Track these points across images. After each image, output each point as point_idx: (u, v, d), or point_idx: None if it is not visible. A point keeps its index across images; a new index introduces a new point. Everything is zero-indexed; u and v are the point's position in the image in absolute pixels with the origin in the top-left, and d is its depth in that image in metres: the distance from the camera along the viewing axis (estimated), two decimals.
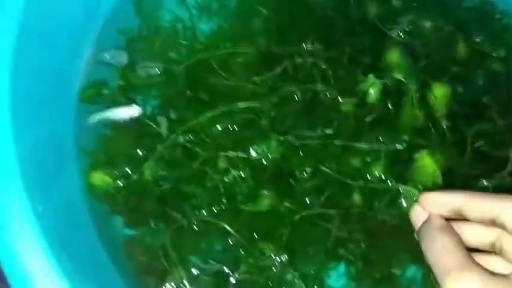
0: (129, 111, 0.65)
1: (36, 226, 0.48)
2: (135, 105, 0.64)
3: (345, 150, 0.64)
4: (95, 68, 0.68)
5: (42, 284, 0.47)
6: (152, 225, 0.61)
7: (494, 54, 0.72)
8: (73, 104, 0.66)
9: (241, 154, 0.63)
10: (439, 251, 0.38)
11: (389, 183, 0.60)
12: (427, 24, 0.72)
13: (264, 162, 0.63)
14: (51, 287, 0.47)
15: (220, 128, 0.65)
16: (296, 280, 0.58)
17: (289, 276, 0.60)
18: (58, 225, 0.51)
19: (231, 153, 0.63)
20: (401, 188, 0.59)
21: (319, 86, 0.68)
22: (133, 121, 0.65)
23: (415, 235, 0.45)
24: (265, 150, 0.63)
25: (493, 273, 0.34)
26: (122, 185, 0.61)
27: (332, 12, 0.74)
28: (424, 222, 0.44)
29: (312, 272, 0.60)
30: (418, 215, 0.46)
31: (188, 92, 0.69)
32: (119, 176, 0.61)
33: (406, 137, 0.64)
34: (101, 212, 0.63)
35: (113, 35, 0.72)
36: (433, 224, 0.43)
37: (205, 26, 0.75)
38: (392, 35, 0.69)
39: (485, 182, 0.61)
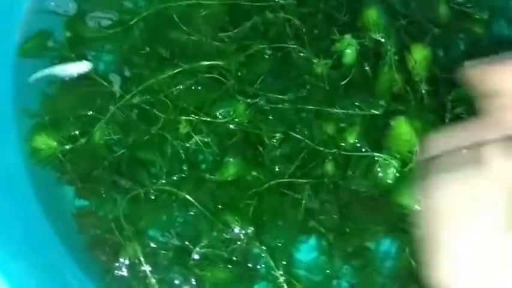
0: (77, 68, 0.60)
1: None
2: (84, 60, 0.59)
3: (317, 115, 0.62)
4: (38, 18, 0.62)
5: None
6: (104, 195, 0.56)
7: (477, 16, 0.69)
8: (12, 57, 0.60)
9: (204, 118, 0.59)
10: None
11: (364, 151, 0.57)
12: None
13: (231, 127, 0.59)
14: None
15: (181, 89, 0.60)
16: (263, 254, 0.56)
17: (255, 250, 0.57)
18: None
19: (194, 117, 0.59)
20: (377, 156, 0.57)
21: (292, 45, 0.64)
22: (83, 79, 0.60)
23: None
24: (231, 114, 0.60)
25: None
26: (68, 148, 0.56)
27: None
28: None
29: (280, 246, 0.58)
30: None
31: (146, 48, 0.63)
32: (66, 139, 0.55)
33: (383, 102, 0.61)
34: (45, 182, 0.59)
35: None
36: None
37: None
38: None
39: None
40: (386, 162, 0.55)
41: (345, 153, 0.59)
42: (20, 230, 0.53)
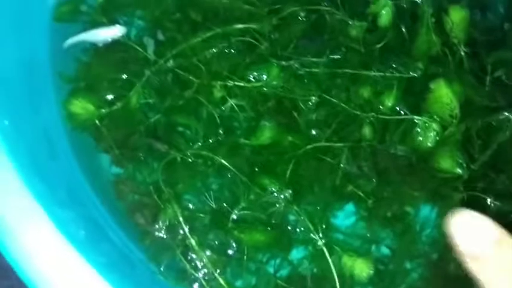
0: (111, 32, 0.61)
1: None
2: (117, 25, 0.59)
3: (354, 79, 0.61)
4: None
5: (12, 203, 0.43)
6: (142, 158, 0.57)
7: None
8: (47, 22, 0.61)
9: (238, 82, 0.59)
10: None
11: (402, 114, 0.57)
12: None
13: (265, 90, 0.59)
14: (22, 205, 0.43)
15: (214, 53, 0.60)
16: (301, 217, 0.56)
17: (293, 214, 0.57)
18: (32, 151, 0.47)
19: (228, 81, 0.59)
20: (416, 119, 0.57)
21: (326, 7, 0.63)
22: (117, 44, 0.60)
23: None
24: (265, 77, 0.60)
25: None
26: (105, 112, 0.57)
27: None
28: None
29: (318, 210, 0.58)
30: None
31: (178, 13, 0.63)
32: (102, 103, 0.56)
33: (420, 65, 0.61)
34: (84, 147, 0.60)
35: None
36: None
37: None
38: None
39: (506, 114, 0.59)
40: (426, 125, 0.55)
41: (383, 116, 0.59)
42: (64, 188, 0.54)
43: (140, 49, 0.59)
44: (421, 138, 0.57)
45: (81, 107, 0.57)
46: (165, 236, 0.55)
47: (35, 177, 0.46)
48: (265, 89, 0.60)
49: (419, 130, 0.57)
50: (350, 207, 0.61)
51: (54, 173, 0.52)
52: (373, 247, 0.59)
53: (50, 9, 0.61)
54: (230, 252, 0.55)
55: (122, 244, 0.56)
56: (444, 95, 0.59)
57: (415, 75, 0.61)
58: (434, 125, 0.57)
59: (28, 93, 0.55)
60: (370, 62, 0.63)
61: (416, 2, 0.64)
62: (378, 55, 0.64)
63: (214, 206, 0.57)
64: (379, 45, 0.64)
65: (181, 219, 0.54)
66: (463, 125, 0.59)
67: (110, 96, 0.58)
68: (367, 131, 0.60)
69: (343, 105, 0.60)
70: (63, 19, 0.61)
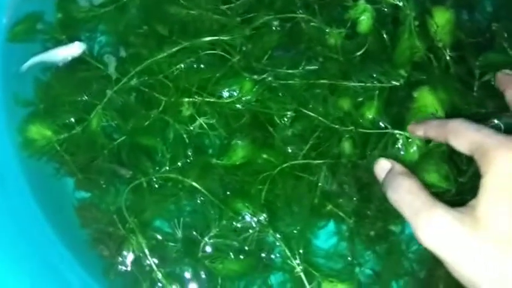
0: (70, 51, 0.59)
1: None
2: (77, 42, 0.57)
3: (332, 90, 0.59)
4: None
5: None
6: (104, 186, 0.55)
7: None
8: (0, 43, 0.58)
9: (208, 98, 0.57)
10: (407, 194, 0.42)
11: (383, 127, 0.55)
12: None
13: (237, 107, 0.57)
14: None
15: (182, 68, 0.58)
16: (278, 242, 0.54)
17: (269, 239, 0.55)
18: None
19: (197, 98, 0.57)
20: (398, 133, 0.54)
21: (301, 14, 0.61)
22: (78, 62, 0.58)
23: (381, 188, 0.46)
24: (237, 92, 0.58)
25: (455, 208, 0.39)
26: (64, 137, 0.54)
27: None
28: (388, 172, 0.47)
29: (296, 233, 0.56)
30: (381, 166, 0.49)
31: (143, 26, 0.61)
32: (61, 127, 0.54)
33: (403, 72, 0.59)
34: (41, 174, 0.57)
35: None
36: (397, 171, 0.47)
37: None
38: None
39: (495, 121, 0.56)
40: (409, 140, 0.52)
41: (363, 130, 0.56)
42: (13, 227, 0.52)
43: (102, 67, 0.57)
44: (403, 153, 0.54)
45: (38, 132, 0.55)
46: (130, 269, 0.53)
47: None
48: (237, 105, 0.58)
49: (401, 145, 0.55)
50: (331, 226, 0.59)
51: (2, 213, 0.49)
52: (357, 269, 0.56)
53: (3, 29, 0.58)
54: (201, 284, 0.53)
55: (79, 282, 0.53)
56: (429, 103, 0.57)
57: (398, 83, 0.59)
58: (418, 141, 0.54)
59: None
60: (349, 72, 0.61)
61: (398, 5, 0.61)
62: (358, 63, 0.62)
63: (184, 233, 0.54)
64: (359, 53, 0.62)
65: (146, 250, 0.52)
66: None
67: (70, 119, 0.56)
68: (346, 146, 0.58)
69: (321, 118, 0.58)
70: (18, 39, 0.59)
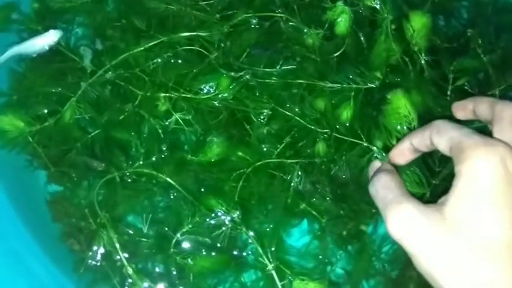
0: (46, 40, 0.58)
1: None
2: (52, 30, 0.56)
3: (309, 90, 0.59)
4: None
5: None
6: (76, 179, 0.54)
7: None
8: None
9: (185, 94, 0.57)
10: (382, 188, 0.44)
11: (357, 131, 0.55)
12: None
13: (214, 103, 0.57)
14: None
15: (159, 62, 0.57)
16: (250, 240, 0.54)
17: (242, 236, 0.55)
18: None
19: (173, 93, 0.57)
20: (370, 146, 0.55)
21: (280, 14, 0.62)
22: (54, 53, 0.57)
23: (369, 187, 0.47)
24: (214, 89, 0.57)
25: (426, 204, 0.40)
26: (37, 129, 0.53)
27: None
28: (376, 170, 0.49)
29: (269, 231, 0.56)
30: (373, 165, 0.51)
31: (121, 19, 0.60)
32: (34, 119, 0.53)
33: (379, 75, 0.59)
34: (13, 166, 0.56)
35: None
36: (382, 168, 0.49)
37: None
38: None
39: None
40: (383, 154, 0.53)
41: (338, 135, 0.56)
42: None
43: (77, 59, 0.56)
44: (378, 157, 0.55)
45: (10, 123, 0.54)
46: (100, 264, 0.52)
47: None
48: (214, 101, 0.58)
49: (374, 156, 0.55)
50: (304, 225, 0.59)
51: None
52: (328, 268, 0.56)
53: None
54: (172, 280, 0.52)
55: (48, 276, 0.53)
56: (402, 106, 0.57)
57: (373, 85, 0.59)
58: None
59: None
60: (326, 72, 0.62)
61: (376, 8, 0.62)
62: (335, 65, 0.63)
63: (156, 229, 0.54)
64: (336, 54, 0.62)
65: (117, 245, 0.51)
66: None
67: (43, 111, 0.55)
68: (321, 146, 0.58)
69: (297, 118, 0.58)
70: None
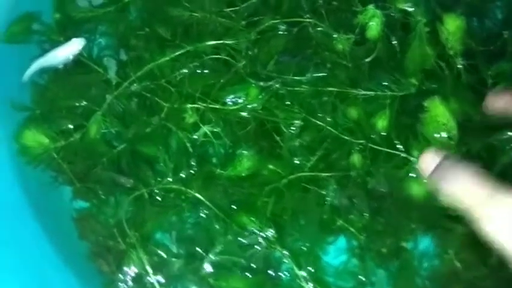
0: (70, 49, 0.56)
1: None
2: (75, 38, 0.54)
3: (341, 98, 0.56)
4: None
5: None
6: (103, 196, 0.52)
7: None
8: None
9: (213, 105, 0.54)
10: (466, 185, 0.40)
11: (394, 142, 0.52)
12: None
13: (243, 114, 0.54)
14: None
15: (185, 73, 0.55)
16: (285, 259, 0.51)
17: (277, 255, 0.52)
18: None
19: (201, 104, 0.54)
20: (409, 157, 0.52)
21: (308, 18, 0.59)
22: (77, 65, 0.55)
23: (427, 181, 0.45)
24: (243, 99, 0.55)
25: None
26: (62, 145, 0.51)
27: None
28: (439, 165, 0.45)
29: (305, 249, 0.53)
30: (428, 160, 0.46)
31: (145, 28, 0.58)
32: (59, 134, 0.51)
33: (414, 81, 0.56)
34: (38, 182, 0.54)
35: None
36: (452, 161, 0.44)
37: None
38: None
39: (509, 133, 0.55)
40: None
41: (374, 146, 0.54)
42: (6, 237, 0.49)
43: (101, 71, 0.54)
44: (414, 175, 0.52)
45: (34, 139, 0.52)
46: (131, 286, 0.50)
47: None
48: (243, 112, 0.55)
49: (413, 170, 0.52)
50: (342, 241, 0.56)
51: None
52: None
53: None
54: None
55: None
56: (440, 114, 0.54)
57: (409, 92, 0.56)
58: None
59: None
60: (358, 79, 0.59)
61: (408, 11, 0.59)
62: (367, 71, 0.60)
63: (186, 248, 0.51)
64: (368, 60, 0.59)
65: (148, 267, 0.49)
66: (462, 147, 0.54)
67: (68, 126, 0.53)
68: (355, 159, 0.55)
69: (330, 128, 0.55)
70: (15, 40, 0.56)
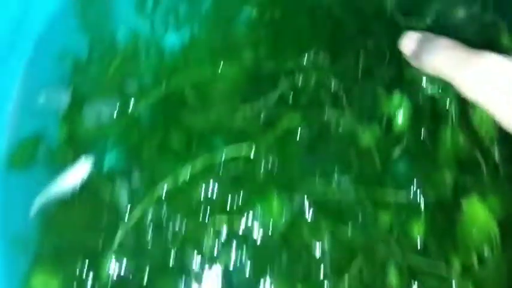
0: (80, 172, 0.52)
1: None
2: (83, 159, 0.50)
3: (371, 203, 0.51)
4: (26, 117, 0.53)
5: None
6: None
7: None
8: None
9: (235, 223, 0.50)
10: (445, 52, 0.43)
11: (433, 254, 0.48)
12: (460, 12, 0.59)
13: (265, 233, 0.50)
14: None
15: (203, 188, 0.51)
16: None
17: None
18: None
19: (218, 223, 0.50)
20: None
21: (329, 110, 0.55)
22: (85, 190, 0.51)
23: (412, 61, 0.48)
24: (265, 215, 0.50)
25: None
26: None
27: (339, 9, 0.59)
28: (419, 42, 0.48)
29: None
30: (409, 41, 0.50)
31: (157, 140, 0.55)
32: (71, 276, 0.47)
33: (449, 178, 0.51)
34: None
35: (49, 61, 0.59)
36: (430, 36, 0.47)
37: (173, 39, 0.62)
38: None
39: None
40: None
41: (411, 259, 0.49)
42: None
43: (113, 197, 0.50)
44: None
45: (43, 283, 0.48)
46: None
47: None
48: (264, 231, 0.51)
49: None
50: None
51: None
52: None
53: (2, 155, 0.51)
54: None
55: None
56: (480, 215, 0.50)
57: (444, 192, 0.52)
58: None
59: None
60: (387, 179, 0.54)
61: (436, 97, 0.55)
62: (396, 167, 0.55)
63: None
64: (396, 154, 0.54)
65: None
66: (507, 255, 0.50)
67: (79, 266, 0.49)
68: (393, 276, 0.50)
69: (361, 240, 0.51)
70: (18, 167, 0.52)
